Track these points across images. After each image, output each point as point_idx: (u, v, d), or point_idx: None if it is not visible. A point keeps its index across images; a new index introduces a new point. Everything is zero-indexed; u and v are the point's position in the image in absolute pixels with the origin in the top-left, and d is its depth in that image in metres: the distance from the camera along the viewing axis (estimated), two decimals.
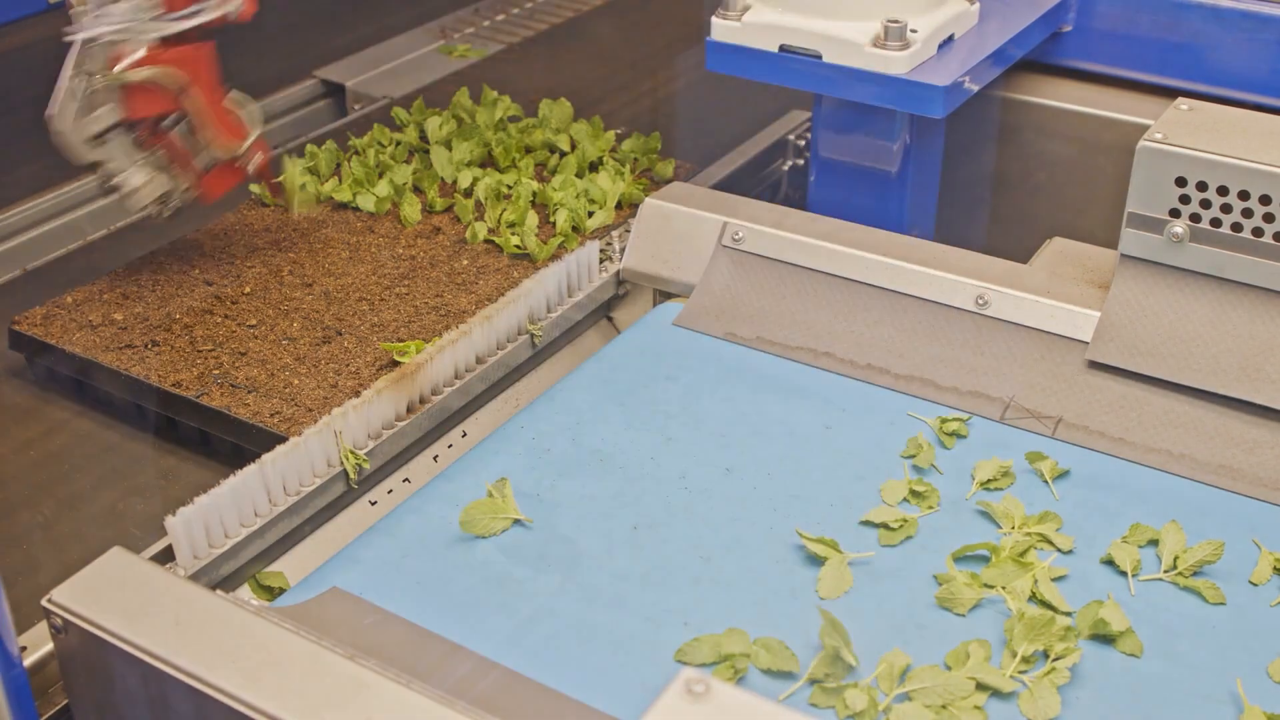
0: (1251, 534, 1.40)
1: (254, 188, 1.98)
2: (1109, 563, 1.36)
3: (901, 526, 1.39)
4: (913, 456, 1.49)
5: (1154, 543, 1.38)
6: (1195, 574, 1.35)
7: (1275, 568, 1.35)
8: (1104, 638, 1.27)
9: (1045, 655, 1.25)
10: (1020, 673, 1.24)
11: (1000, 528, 1.40)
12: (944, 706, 1.20)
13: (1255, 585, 1.34)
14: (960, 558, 1.36)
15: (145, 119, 1.65)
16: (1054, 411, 1.55)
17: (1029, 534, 1.38)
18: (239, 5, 1.59)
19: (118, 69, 1.57)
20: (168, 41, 1.63)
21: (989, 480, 1.46)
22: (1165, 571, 1.35)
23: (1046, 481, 1.47)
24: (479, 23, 2.75)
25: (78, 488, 1.55)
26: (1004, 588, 1.32)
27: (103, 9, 1.55)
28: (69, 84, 1.57)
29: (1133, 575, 1.35)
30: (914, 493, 1.44)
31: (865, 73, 1.76)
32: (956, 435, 1.52)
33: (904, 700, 1.21)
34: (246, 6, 1.60)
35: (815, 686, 1.22)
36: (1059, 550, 1.37)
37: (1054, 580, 1.34)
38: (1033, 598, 1.31)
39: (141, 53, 1.58)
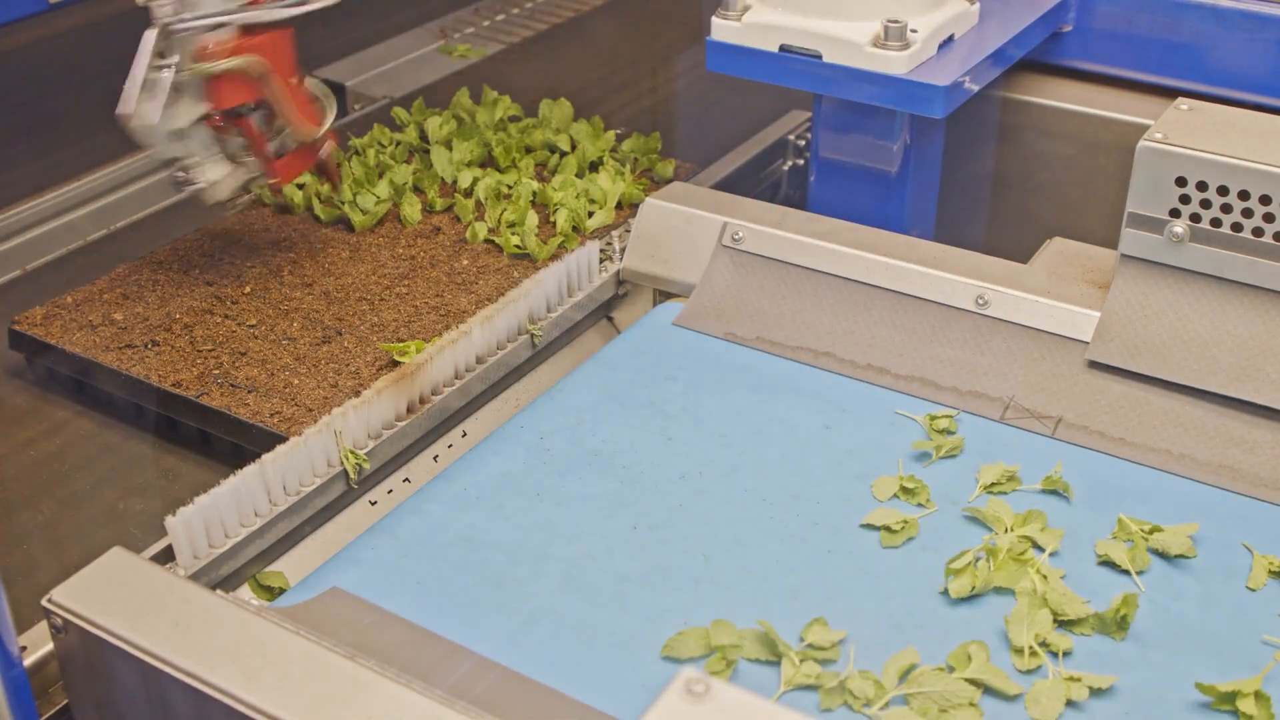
0: (1251, 534, 1.40)
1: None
2: (1108, 562, 1.36)
3: (903, 528, 1.39)
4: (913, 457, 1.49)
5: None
6: (1192, 573, 1.35)
7: (1272, 569, 1.35)
8: (1104, 637, 1.27)
9: (1046, 654, 1.25)
10: (1021, 672, 1.24)
11: (1000, 528, 1.40)
12: (944, 709, 1.20)
13: (1252, 590, 1.34)
14: (961, 558, 1.36)
15: (225, 108, 1.62)
16: (1054, 411, 1.55)
17: (1028, 535, 1.38)
18: None
19: (205, 63, 1.53)
20: (247, 29, 1.59)
21: (993, 484, 1.45)
22: (1164, 571, 1.35)
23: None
24: (479, 23, 2.75)
25: (78, 488, 1.55)
26: (1004, 587, 1.32)
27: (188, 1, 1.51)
28: (149, 75, 1.51)
29: (1133, 575, 1.35)
30: (904, 489, 1.44)
31: (865, 73, 1.76)
32: (946, 431, 1.52)
33: (904, 701, 1.21)
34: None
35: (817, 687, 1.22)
36: (1059, 550, 1.37)
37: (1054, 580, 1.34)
38: (1033, 597, 1.31)
39: (229, 42, 1.54)
